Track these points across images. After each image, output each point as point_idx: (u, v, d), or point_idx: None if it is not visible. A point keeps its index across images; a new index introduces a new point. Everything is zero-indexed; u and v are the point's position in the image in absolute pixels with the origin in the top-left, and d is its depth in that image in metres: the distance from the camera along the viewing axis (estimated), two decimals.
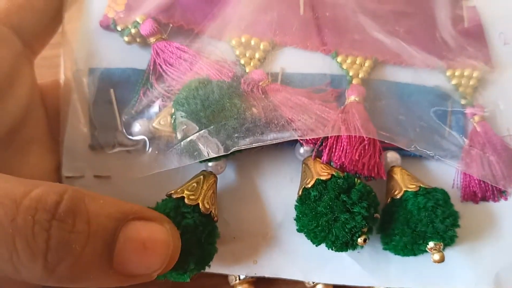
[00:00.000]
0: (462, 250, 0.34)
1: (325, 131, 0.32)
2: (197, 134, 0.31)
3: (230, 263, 0.33)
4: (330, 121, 0.33)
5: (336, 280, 0.33)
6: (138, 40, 0.34)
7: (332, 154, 0.32)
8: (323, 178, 0.31)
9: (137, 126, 0.32)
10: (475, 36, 0.38)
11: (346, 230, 0.29)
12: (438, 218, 0.30)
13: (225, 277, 0.34)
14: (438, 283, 0.33)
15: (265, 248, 0.33)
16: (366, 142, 0.32)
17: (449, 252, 0.33)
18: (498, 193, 0.35)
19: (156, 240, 0.25)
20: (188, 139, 0.31)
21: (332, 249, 0.30)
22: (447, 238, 0.30)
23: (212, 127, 0.31)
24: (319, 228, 0.30)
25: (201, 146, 0.31)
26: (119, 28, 0.34)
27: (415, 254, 0.31)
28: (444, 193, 0.31)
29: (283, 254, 0.33)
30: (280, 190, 0.34)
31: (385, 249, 0.32)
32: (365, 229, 0.30)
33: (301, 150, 0.34)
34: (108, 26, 0.34)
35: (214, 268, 0.32)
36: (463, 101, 0.36)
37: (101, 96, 0.33)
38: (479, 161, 0.35)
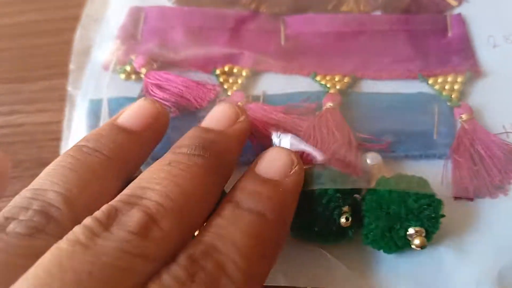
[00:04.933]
0: (460, 249, 0.30)
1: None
2: None
3: None
4: (303, 130, 0.34)
5: (322, 284, 0.31)
6: (133, 77, 0.39)
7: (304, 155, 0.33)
8: None
9: None
10: (460, 44, 0.39)
11: (323, 206, 0.28)
12: (411, 197, 0.28)
13: None
14: (436, 284, 0.30)
15: None
16: (340, 140, 0.33)
17: (446, 252, 0.31)
18: (494, 189, 0.32)
19: None
20: None
21: (318, 237, 0.30)
22: (425, 220, 0.28)
23: None
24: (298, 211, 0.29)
25: None
26: (117, 68, 0.39)
27: (397, 246, 0.29)
28: (420, 179, 0.30)
29: None
30: None
31: (365, 243, 0.30)
32: (345, 208, 0.29)
33: None
34: (108, 67, 0.39)
35: None
36: (449, 103, 0.36)
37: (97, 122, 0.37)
38: (468, 156, 0.33)
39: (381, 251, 0.31)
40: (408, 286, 0.30)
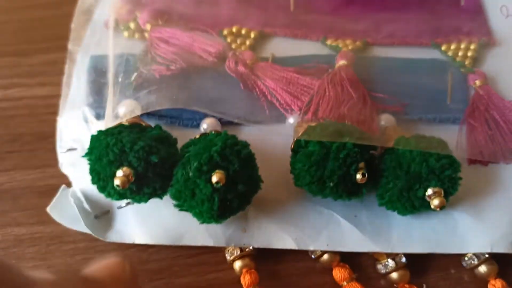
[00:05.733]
0: (475, 213, 0.30)
1: (309, 96, 0.32)
2: None
3: (216, 233, 0.31)
4: (316, 86, 0.33)
5: (333, 247, 0.30)
6: (136, 35, 0.37)
7: (318, 112, 0.31)
8: (313, 125, 0.30)
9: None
10: (473, 13, 0.38)
11: (340, 160, 0.27)
12: (433, 156, 0.27)
13: None
14: (449, 247, 0.29)
15: (254, 215, 0.31)
16: (355, 98, 0.32)
17: (460, 216, 0.30)
18: (509, 154, 0.32)
19: None
20: None
21: (332, 193, 0.28)
22: (446, 180, 0.27)
23: None
24: (313, 168, 0.28)
25: None
26: (121, 27, 0.37)
27: (414, 207, 0.28)
28: (440, 139, 0.29)
29: (274, 221, 0.30)
30: (270, 158, 0.32)
31: (381, 204, 0.29)
32: (361, 164, 0.28)
33: (291, 120, 0.33)
34: (111, 25, 0.37)
35: (198, 239, 0.30)
36: (462, 70, 0.35)
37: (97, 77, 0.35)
38: (483, 121, 0.32)
39: (395, 213, 0.30)
40: (422, 249, 0.29)
